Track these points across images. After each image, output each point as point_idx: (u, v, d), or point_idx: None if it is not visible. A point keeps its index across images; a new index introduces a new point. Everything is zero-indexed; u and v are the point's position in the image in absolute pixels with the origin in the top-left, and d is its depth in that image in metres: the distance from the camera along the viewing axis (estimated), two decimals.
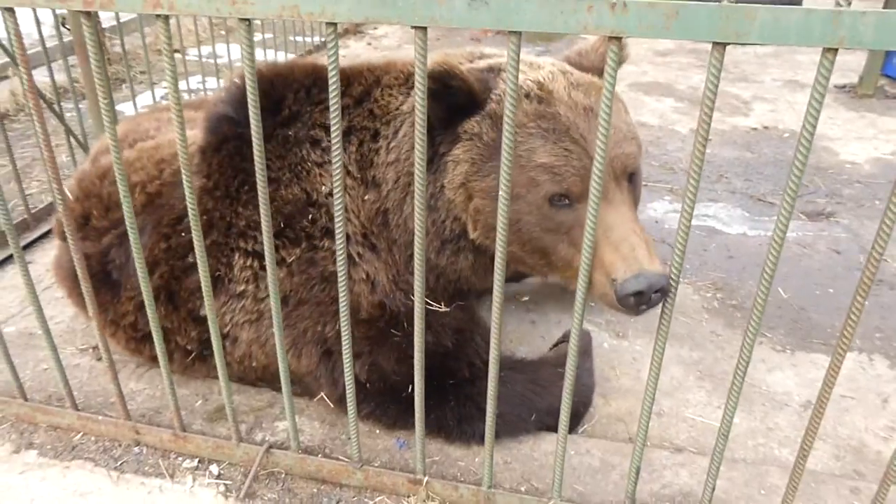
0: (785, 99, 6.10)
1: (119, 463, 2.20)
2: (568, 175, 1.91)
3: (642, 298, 1.82)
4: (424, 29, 1.41)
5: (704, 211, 4.04)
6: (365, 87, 2.24)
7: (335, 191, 1.60)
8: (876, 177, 4.53)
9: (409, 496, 2.08)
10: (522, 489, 2.09)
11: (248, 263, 2.24)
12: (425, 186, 1.56)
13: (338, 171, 1.57)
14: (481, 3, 1.34)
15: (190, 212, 1.74)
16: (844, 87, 6.28)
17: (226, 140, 2.23)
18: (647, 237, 1.92)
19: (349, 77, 2.24)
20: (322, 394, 2.31)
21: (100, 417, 2.28)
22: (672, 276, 1.59)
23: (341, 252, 1.67)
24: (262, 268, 2.22)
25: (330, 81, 1.50)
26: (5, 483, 2.24)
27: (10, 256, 3.31)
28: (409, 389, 2.06)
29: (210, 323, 1.93)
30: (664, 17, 1.29)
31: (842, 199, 4.23)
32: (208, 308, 1.90)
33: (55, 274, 2.66)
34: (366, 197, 2.18)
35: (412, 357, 1.78)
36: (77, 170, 2.72)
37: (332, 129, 1.53)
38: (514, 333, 2.92)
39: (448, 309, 2.23)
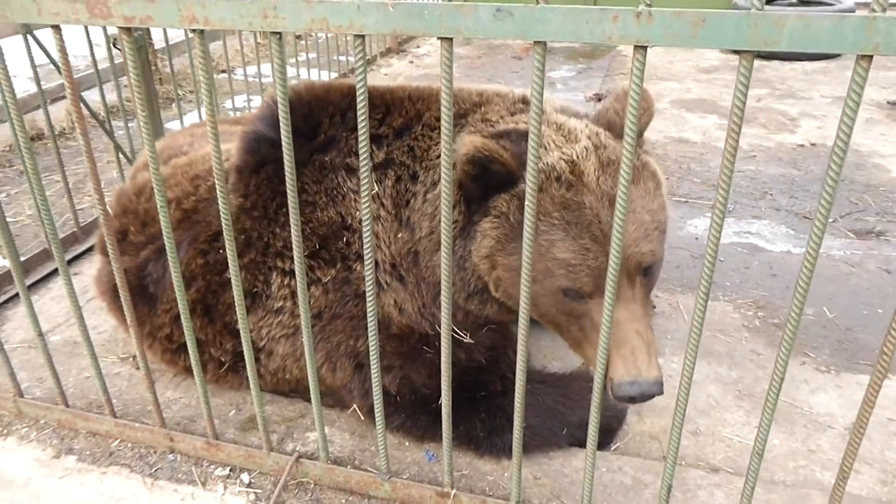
0: (834, 115, 5.95)
1: (154, 469, 2.25)
2: (582, 275, 1.90)
3: (634, 401, 1.90)
4: (450, 40, 1.42)
5: (747, 228, 3.95)
6: (405, 119, 2.19)
7: (363, 212, 1.62)
8: None
9: None
10: None
11: (286, 282, 2.28)
12: (451, 221, 1.60)
13: (366, 187, 1.59)
14: (506, 13, 1.35)
15: (224, 228, 1.78)
16: None
17: (264, 162, 2.25)
18: (650, 336, 1.90)
19: (389, 105, 2.21)
20: (354, 406, 2.32)
21: (136, 424, 2.33)
22: (701, 289, 1.55)
23: (369, 255, 1.69)
24: None
25: (357, 95, 1.52)
26: (46, 487, 2.31)
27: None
28: (440, 401, 2.05)
29: (242, 334, 1.97)
30: (690, 26, 1.27)
31: (893, 217, 4.09)
32: (241, 322, 1.94)
33: (96, 287, 2.75)
34: (399, 235, 2.18)
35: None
36: (116, 187, 2.81)
37: (361, 146, 1.56)
38: (547, 349, 2.89)
39: (472, 342, 2.24)
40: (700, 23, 1.27)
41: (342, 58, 7.39)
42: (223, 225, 1.78)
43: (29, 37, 3.31)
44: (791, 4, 8.48)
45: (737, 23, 1.25)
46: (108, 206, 2.42)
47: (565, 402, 2.28)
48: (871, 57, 1.24)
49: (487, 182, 1.94)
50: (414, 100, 2.23)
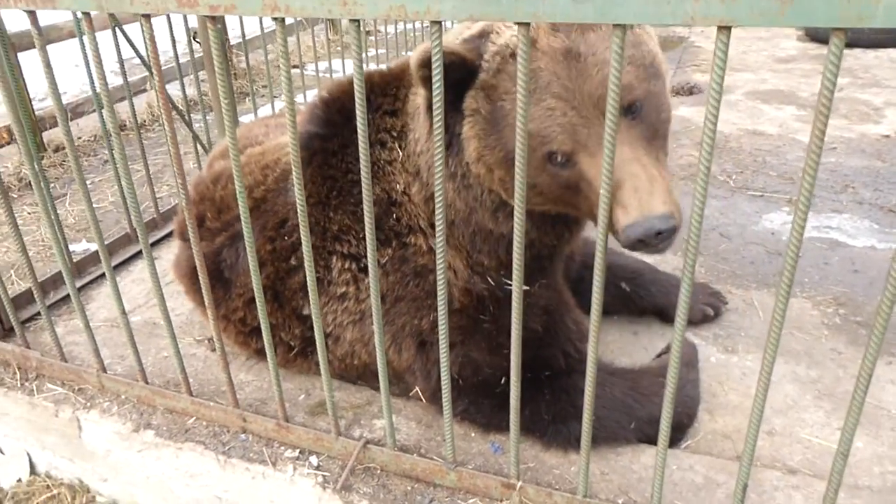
0: None
1: (226, 448, 2.32)
2: (554, 134, 1.80)
3: (647, 244, 1.69)
4: (527, 25, 1.41)
5: (827, 222, 3.78)
6: (406, 88, 2.26)
7: (436, 185, 1.62)
8: None
9: (501, 500, 2.06)
10: (619, 501, 2.02)
11: (347, 266, 2.32)
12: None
13: (439, 163, 1.59)
14: None
15: (300, 218, 1.82)
16: None
17: (314, 153, 2.33)
18: (651, 172, 1.73)
19: (400, 81, 2.27)
20: (416, 388, 2.34)
21: (211, 404, 2.40)
22: (783, 285, 1.49)
23: (441, 243, 1.69)
24: (360, 269, 2.30)
25: (434, 80, 1.53)
26: (125, 460, 2.42)
27: (139, 253, 3.58)
28: (502, 382, 2.04)
29: (315, 322, 2.01)
30: (778, 3, 1.22)
31: None
32: (314, 309, 1.98)
33: (174, 271, 2.85)
34: (413, 189, 2.21)
35: (504, 346, 1.77)
36: (194, 175, 2.90)
37: (435, 123, 1.56)
38: (614, 344, 2.84)
39: (528, 288, 2.16)
40: (788, 0, 1.22)
41: (410, 53, 7.43)
42: (299, 212, 1.81)
43: (115, 31, 3.44)
44: None
45: None
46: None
47: (635, 395, 2.24)
48: None
49: (450, 80, 1.81)
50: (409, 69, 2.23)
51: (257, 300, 2.05)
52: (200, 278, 2.07)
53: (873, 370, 1.48)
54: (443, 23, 1.47)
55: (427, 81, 1.83)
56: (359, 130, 1.63)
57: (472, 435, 2.31)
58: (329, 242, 2.32)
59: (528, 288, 2.18)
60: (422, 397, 2.36)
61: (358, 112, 1.61)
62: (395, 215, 2.25)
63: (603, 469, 2.14)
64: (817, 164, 1.34)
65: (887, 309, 1.39)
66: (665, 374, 1.69)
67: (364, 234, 2.18)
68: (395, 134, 2.24)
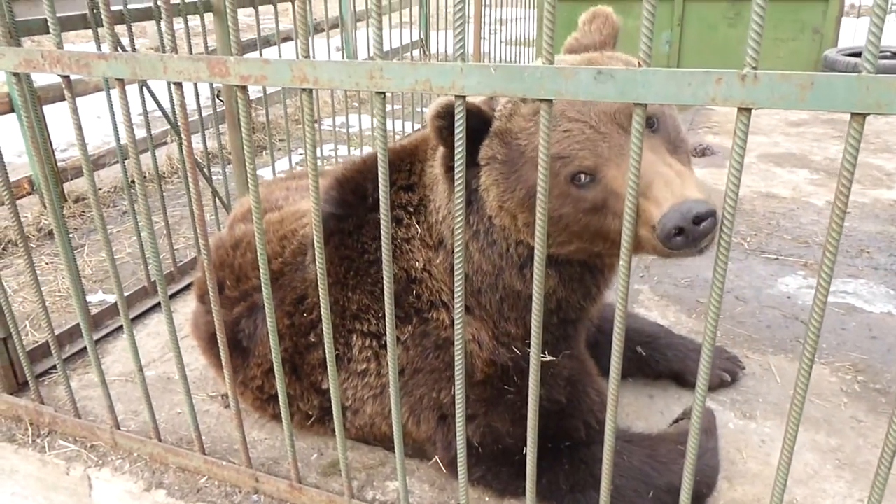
0: None
1: None
2: (575, 151, 1.82)
3: (687, 234, 1.62)
4: (550, 102, 1.45)
5: (843, 287, 3.77)
6: (422, 163, 2.30)
7: (456, 256, 1.64)
8: None
9: None
10: None
11: (367, 344, 2.32)
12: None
13: (459, 237, 1.61)
14: (607, 76, 1.36)
15: (322, 302, 1.85)
16: None
17: (331, 234, 2.33)
18: (678, 169, 1.74)
19: (414, 156, 2.32)
20: (436, 457, 2.32)
21: (224, 463, 2.39)
22: (805, 356, 1.49)
23: (460, 311, 1.70)
24: (381, 346, 2.30)
25: (456, 153, 1.56)
26: None
27: (155, 306, 3.61)
28: (523, 452, 2.02)
29: (333, 398, 2.02)
30: (798, 89, 1.25)
31: None
32: (332, 386, 2.00)
33: (192, 332, 2.86)
34: (437, 261, 2.22)
35: (527, 417, 1.76)
36: (216, 236, 2.93)
37: (456, 197, 1.58)
38: (630, 407, 2.82)
39: (554, 358, 2.18)
40: (808, 86, 1.25)
41: (425, 109, 7.58)
42: (321, 296, 1.83)
43: (142, 89, 3.55)
44: (885, 56, 8.21)
45: (847, 86, 1.22)
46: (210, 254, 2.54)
47: (652, 464, 2.20)
48: None
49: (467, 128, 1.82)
50: (428, 140, 2.31)
51: (277, 376, 2.06)
52: (221, 350, 2.09)
53: None
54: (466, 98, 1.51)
55: (441, 132, 1.88)
56: (381, 202, 1.66)
57: (487, 499, 2.28)
58: (349, 321, 2.33)
59: (552, 358, 2.19)
60: (442, 466, 2.33)
61: (381, 181, 1.65)
62: (415, 292, 2.25)
63: None
64: (838, 242, 1.36)
65: None
66: (683, 441, 1.68)
67: (384, 313, 2.20)
68: (410, 209, 2.27)
